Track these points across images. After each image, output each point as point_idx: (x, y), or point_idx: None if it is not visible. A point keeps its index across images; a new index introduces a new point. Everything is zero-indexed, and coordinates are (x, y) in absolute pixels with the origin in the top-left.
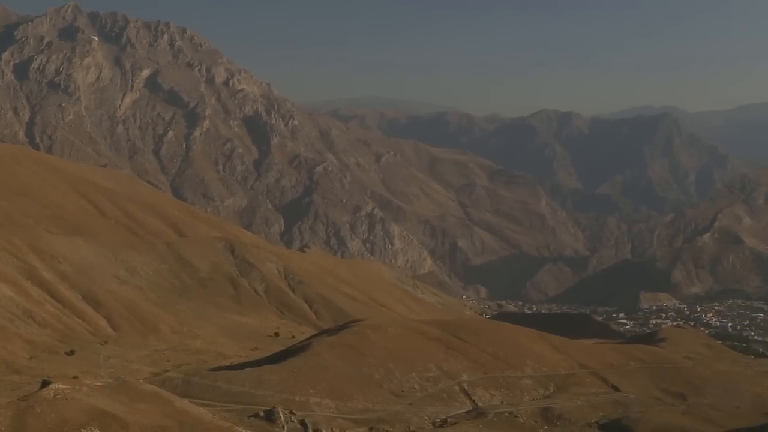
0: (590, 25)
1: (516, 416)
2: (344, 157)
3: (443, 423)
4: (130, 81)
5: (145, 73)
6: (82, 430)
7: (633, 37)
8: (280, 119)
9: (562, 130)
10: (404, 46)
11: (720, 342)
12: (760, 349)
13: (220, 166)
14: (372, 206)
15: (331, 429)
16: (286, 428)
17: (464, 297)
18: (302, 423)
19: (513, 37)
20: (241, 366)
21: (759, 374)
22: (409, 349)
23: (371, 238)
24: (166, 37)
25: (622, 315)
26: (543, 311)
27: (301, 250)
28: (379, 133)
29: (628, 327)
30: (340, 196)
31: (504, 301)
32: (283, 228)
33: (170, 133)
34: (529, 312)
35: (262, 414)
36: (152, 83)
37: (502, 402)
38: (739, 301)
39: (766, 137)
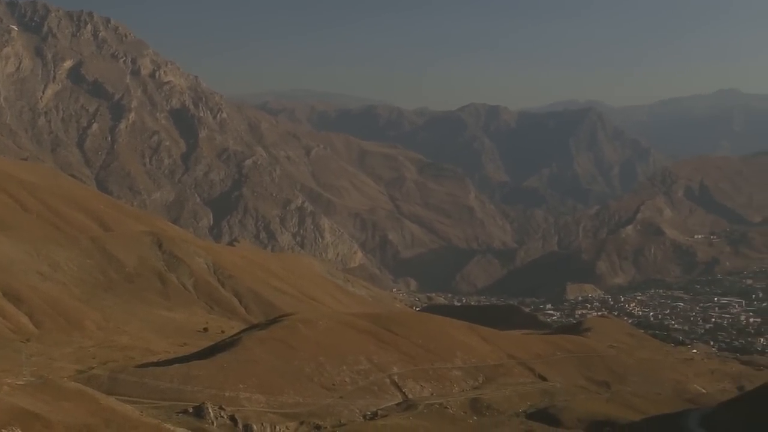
0: (517, 20)
1: (446, 407)
2: (274, 151)
3: (374, 416)
4: (52, 72)
5: (68, 63)
6: (3, 430)
7: (559, 33)
8: (208, 112)
9: (491, 123)
10: (334, 39)
11: (642, 331)
12: (680, 337)
13: (147, 160)
14: (302, 200)
15: (262, 424)
16: (215, 424)
17: (395, 290)
18: (232, 418)
19: (441, 31)
20: (170, 362)
21: (679, 362)
22: (339, 343)
23: (301, 231)
24: (89, 27)
25: (549, 306)
26: (472, 303)
27: (231, 244)
28: (309, 126)
29: (554, 318)
30: (269, 189)
31: (434, 294)
32: (211, 222)
33: (94, 126)
34: (459, 304)
35: (191, 410)
36: (75, 74)
37: (432, 394)
38: (661, 290)
39: (686, 131)
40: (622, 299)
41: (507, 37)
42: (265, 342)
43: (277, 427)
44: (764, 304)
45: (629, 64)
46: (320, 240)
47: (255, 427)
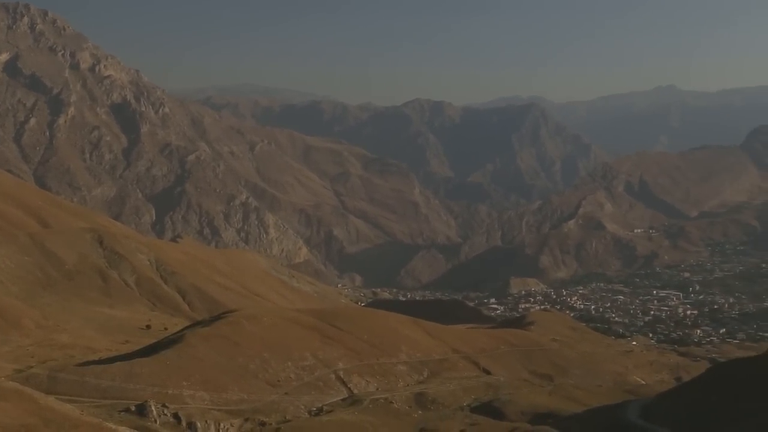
0: (461, 17)
1: (391, 402)
2: (217, 146)
3: (319, 411)
4: None
5: (4, 56)
6: None
7: (502, 30)
8: (150, 107)
9: (435, 119)
10: (278, 34)
11: (584, 324)
12: (620, 330)
13: (87, 155)
14: (246, 195)
15: (206, 421)
16: (158, 422)
17: (340, 285)
18: (175, 416)
19: (386, 27)
20: (111, 360)
21: (619, 354)
22: (284, 339)
23: (246, 227)
24: (26, 19)
25: (493, 300)
26: (417, 298)
27: (174, 240)
28: (252, 121)
29: (498, 312)
30: (213, 185)
31: (379, 289)
32: (154, 218)
33: (32, 120)
34: (404, 299)
35: (133, 408)
36: (11, 68)
37: (378, 388)
38: (602, 284)
39: (625, 127)
40: (565, 293)
41: (451, 34)
42: (209, 339)
43: (222, 425)
44: (701, 297)
45: (570, 61)
46: (265, 236)
47: (199, 424)
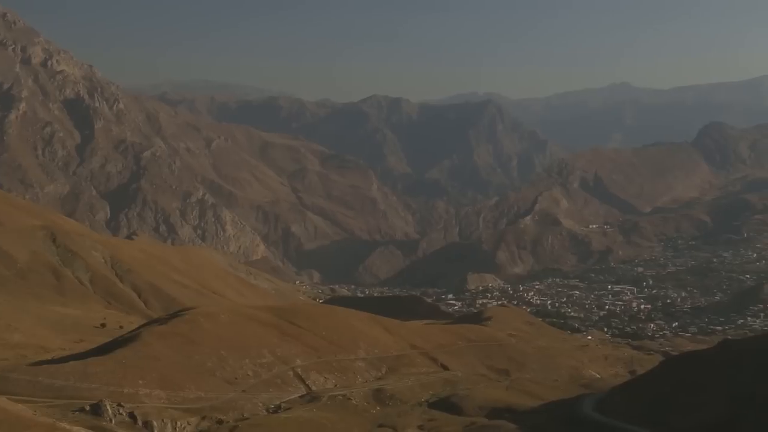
0: (418, 13)
1: (349, 398)
2: (173, 142)
3: (277, 409)
4: None
5: None
6: None
7: (459, 26)
8: (104, 102)
9: (392, 115)
10: (234, 30)
11: (540, 319)
12: (576, 325)
13: (39, 151)
14: (203, 192)
15: (162, 420)
16: (114, 421)
17: (298, 282)
18: (131, 415)
19: (344, 24)
20: (65, 359)
21: (575, 348)
22: (242, 336)
23: (202, 224)
24: None
25: (450, 296)
26: (375, 294)
27: (129, 237)
28: (209, 117)
29: (456, 307)
30: (169, 182)
31: (337, 285)
32: (109, 215)
33: None
34: (362, 295)
35: (88, 408)
36: None
37: (336, 385)
38: (558, 279)
39: (580, 124)
40: (521, 288)
41: (408, 30)
42: (166, 337)
43: (179, 423)
44: (654, 291)
45: (526, 58)
46: (222, 233)
47: (155, 423)
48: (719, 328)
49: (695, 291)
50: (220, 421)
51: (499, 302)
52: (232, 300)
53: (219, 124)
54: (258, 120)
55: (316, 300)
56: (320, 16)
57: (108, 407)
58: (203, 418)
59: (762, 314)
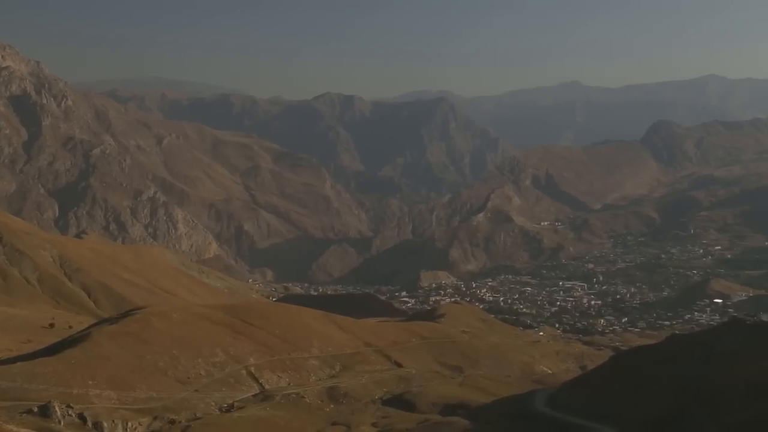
0: (370, 11)
1: (303, 397)
2: (123, 140)
3: (230, 408)
4: None
5: None
6: None
7: (410, 24)
8: (52, 99)
9: (345, 113)
10: (185, 26)
11: (493, 316)
12: (528, 321)
13: None
14: (154, 190)
15: (113, 421)
16: (63, 423)
17: (251, 280)
18: (81, 416)
19: (296, 21)
20: (12, 360)
21: (527, 344)
22: (194, 335)
23: (154, 222)
24: None
25: (404, 293)
26: (329, 292)
27: (78, 236)
28: (160, 114)
29: (410, 305)
30: (119, 179)
31: (290, 284)
32: (57, 214)
33: None
34: (315, 293)
35: (36, 409)
36: None
37: (290, 383)
38: (510, 276)
39: (532, 122)
40: (474, 285)
41: (360, 27)
42: (116, 336)
43: (130, 423)
44: (604, 287)
45: (478, 57)
46: (173, 231)
47: (105, 424)
48: (667, 323)
49: (644, 287)
50: (172, 421)
51: (453, 299)
52: (185, 299)
53: (170, 121)
54: (210, 117)
55: (269, 298)
56: (273, 13)
57: (57, 408)
58: (155, 418)
59: (708, 309)
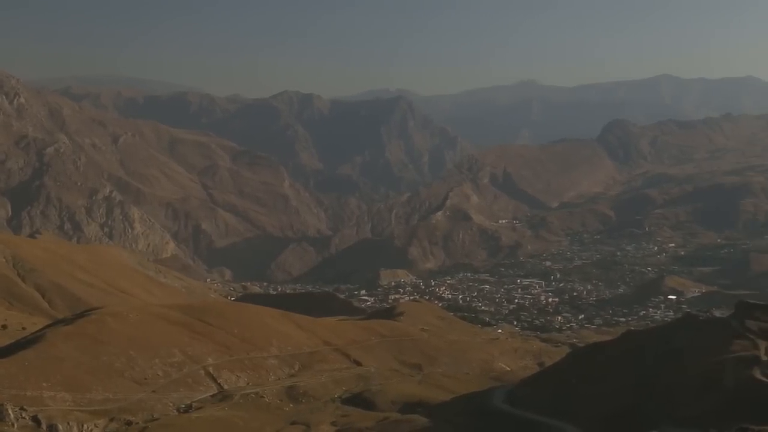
0: (328, 9)
1: (262, 396)
2: (78, 138)
3: (188, 408)
4: None
5: None
6: None
7: (368, 22)
8: (4, 97)
9: (304, 111)
10: (142, 23)
11: (452, 313)
12: (487, 318)
13: None
14: (110, 189)
15: (68, 423)
16: (16, 426)
17: (209, 280)
18: (35, 419)
19: (253, 18)
20: None
21: (485, 342)
22: (151, 335)
23: (109, 222)
24: None
25: (363, 292)
26: (288, 291)
27: (32, 236)
28: (115, 113)
29: (369, 303)
30: (74, 178)
31: (249, 283)
32: (10, 213)
33: None
34: (274, 292)
35: None
36: None
37: (248, 383)
38: (468, 274)
39: (490, 120)
40: (433, 283)
41: (318, 26)
42: (72, 337)
43: (85, 426)
44: (561, 285)
45: (436, 55)
46: (130, 230)
47: (60, 426)
48: (623, 319)
49: (600, 284)
50: (128, 423)
51: (412, 297)
52: (141, 299)
53: (126, 119)
54: (166, 115)
55: (227, 298)
56: (230, 11)
57: (10, 411)
58: (111, 419)
59: (662, 305)
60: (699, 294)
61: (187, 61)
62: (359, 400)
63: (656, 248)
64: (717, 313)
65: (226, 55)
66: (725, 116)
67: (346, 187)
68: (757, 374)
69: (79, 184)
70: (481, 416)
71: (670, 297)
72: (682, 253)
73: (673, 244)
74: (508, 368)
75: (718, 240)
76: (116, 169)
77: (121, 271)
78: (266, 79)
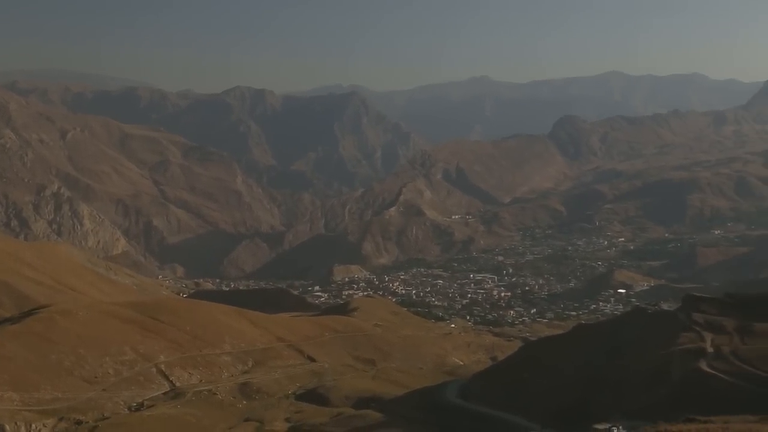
0: (280, 4)
1: (215, 393)
2: (25, 133)
3: (140, 407)
4: None
5: None
6: None
7: (321, 18)
8: None
9: (256, 107)
10: (90, 17)
11: (405, 309)
12: (440, 313)
13: None
14: (58, 185)
15: (15, 423)
16: None
17: (160, 277)
18: None
19: (204, 13)
20: None
21: (439, 337)
22: (102, 334)
23: (58, 219)
24: None
25: (317, 288)
26: (241, 288)
27: None
28: (64, 108)
29: (323, 299)
30: (21, 174)
31: (202, 280)
32: None
33: None
34: (227, 289)
35: None
36: None
37: (201, 380)
38: (422, 269)
39: (443, 116)
40: (387, 279)
41: (271, 21)
42: (19, 336)
43: (33, 425)
44: (513, 279)
45: (389, 51)
46: (79, 227)
47: (8, 427)
48: (574, 313)
49: (552, 278)
50: (78, 422)
51: (365, 293)
52: (91, 297)
53: (75, 114)
54: (116, 111)
55: (180, 295)
56: (182, 5)
57: None
58: (60, 419)
59: (612, 299)
60: (647, 287)
61: (137, 56)
62: (313, 396)
63: (606, 243)
64: (665, 307)
65: (178, 50)
66: (673, 113)
67: (300, 183)
68: (704, 366)
69: (26, 180)
70: (434, 410)
71: (619, 291)
72: (632, 247)
73: (622, 239)
74: (461, 362)
75: (666, 234)
76: (65, 165)
77: (71, 268)
78: (218, 75)
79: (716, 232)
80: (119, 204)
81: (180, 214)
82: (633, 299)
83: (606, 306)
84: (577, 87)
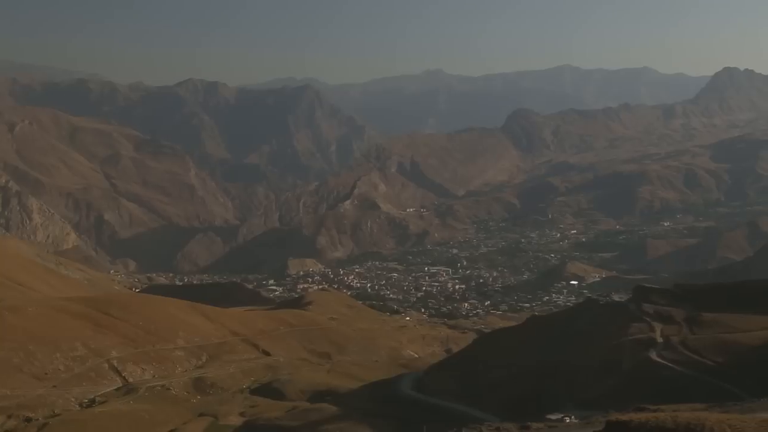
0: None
1: (168, 389)
2: None
3: (91, 403)
4: None
5: None
6: None
7: (275, 11)
8: None
9: (209, 100)
10: (39, 6)
11: (360, 302)
12: (395, 306)
13: None
14: (6, 179)
15: None
16: None
17: (112, 271)
18: None
19: (155, 4)
20: None
21: (394, 329)
22: (52, 329)
23: (6, 213)
24: None
25: (271, 282)
26: (194, 282)
27: None
28: (11, 100)
29: (277, 293)
30: None
31: (154, 274)
32: None
33: None
34: (181, 283)
35: None
36: None
37: (154, 376)
38: (377, 262)
39: (397, 109)
40: (342, 272)
41: (224, 12)
42: None
43: None
44: (468, 272)
45: (343, 44)
46: (28, 222)
47: None
48: (527, 305)
49: (505, 270)
50: (28, 419)
51: (320, 287)
52: (41, 292)
53: (23, 107)
54: (66, 103)
55: (132, 289)
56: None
57: None
58: (9, 416)
59: (565, 291)
60: (599, 279)
61: (87, 48)
62: (268, 390)
63: (559, 235)
64: (616, 298)
65: (128, 42)
66: (623, 106)
67: (254, 177)
68: (654, 356)
69: None
70: (389, 403)
71: (572, 282)
72: (584, 239)
73: (574, 231)
74: (416, 355)
75: (617, 226)
76: (12, 158)
77: (19, 263)
78: (170, 67)
79: (666, 224)
80: (69, 198)
81: (132, 208)
82: (585, 291)
83: (559, 298)
84: (530, 80)
